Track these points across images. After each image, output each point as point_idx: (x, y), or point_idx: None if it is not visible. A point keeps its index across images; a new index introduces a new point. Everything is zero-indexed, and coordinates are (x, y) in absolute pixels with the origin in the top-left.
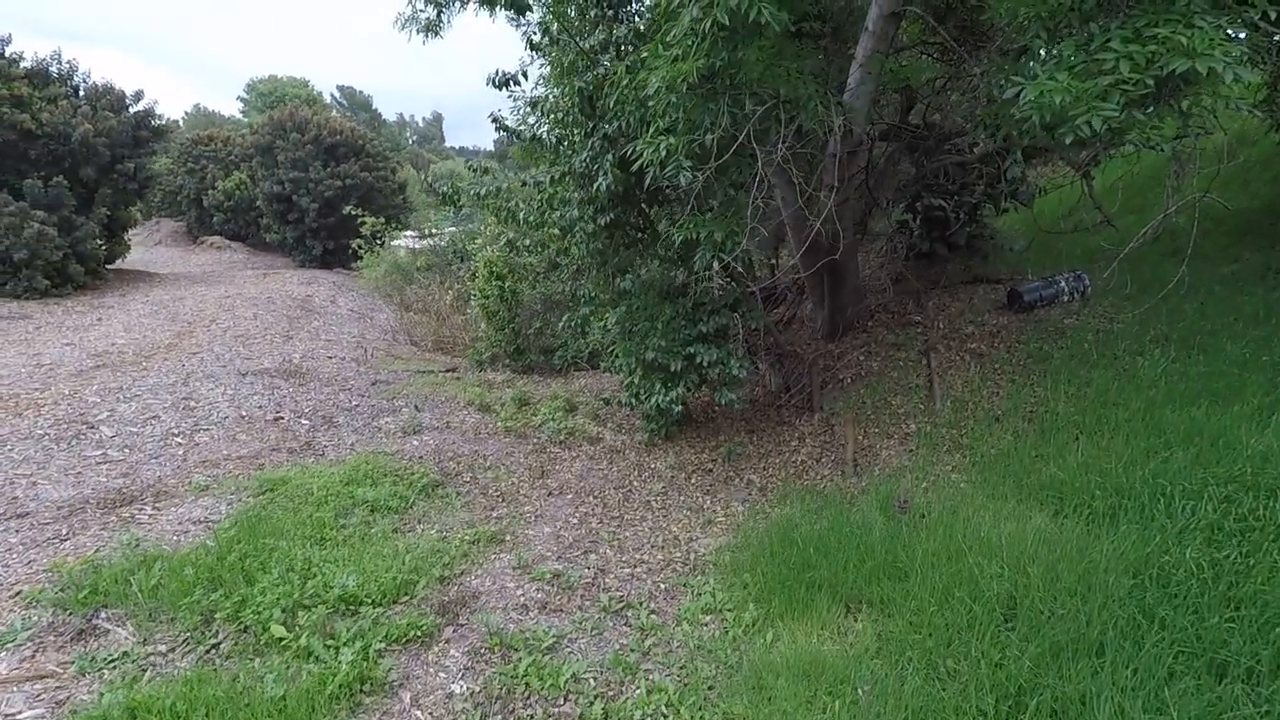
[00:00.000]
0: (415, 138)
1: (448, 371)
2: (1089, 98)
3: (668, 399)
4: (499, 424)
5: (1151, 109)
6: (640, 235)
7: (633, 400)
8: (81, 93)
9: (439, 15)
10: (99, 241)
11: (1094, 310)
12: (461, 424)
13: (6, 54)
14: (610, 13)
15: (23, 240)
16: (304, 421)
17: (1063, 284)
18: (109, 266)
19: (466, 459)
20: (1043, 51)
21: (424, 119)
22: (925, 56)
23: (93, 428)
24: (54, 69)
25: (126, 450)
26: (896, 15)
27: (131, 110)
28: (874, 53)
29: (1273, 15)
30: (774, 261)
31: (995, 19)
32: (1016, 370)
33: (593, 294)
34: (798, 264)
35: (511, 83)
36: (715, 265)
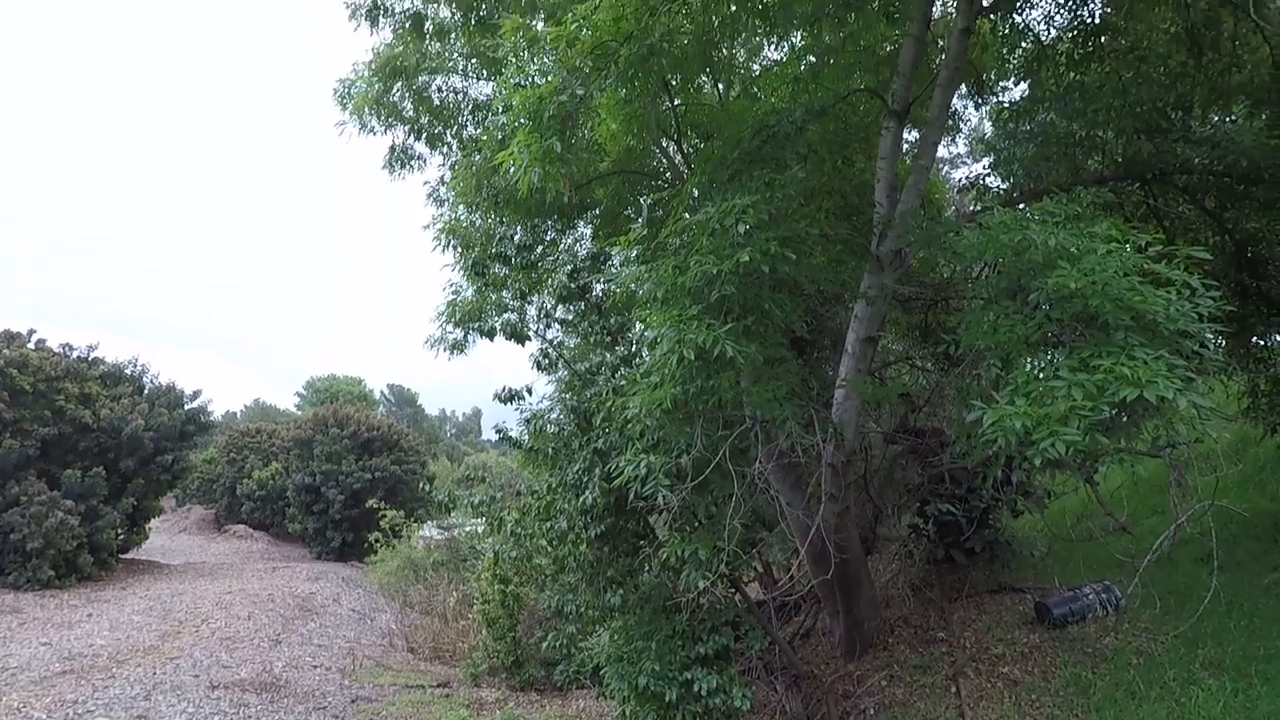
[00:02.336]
0: (454, 431)
1: (439, 686)
2: (1050, 422)
3: None
4: None
5: (1116, 433)
6: (639, 542)
7: None
8: (146, 391)
9: (465, 336)
10: (117, 531)
11: (1131, 626)
12: None
13: (90, 357)
14: (608, 339)
15: (42, 530)
16: None
17: (1091, 596)
18: (122, 556)
19: None
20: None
21: (464, 414)
22: (913, 368)
23: None
24: (128, 370)
25: None
26: (873, 339)
27: (186, 407)
28: (855, 371)
29: (1213, 342)
30: (792, 567)
31: (959, 352)
32: (1056, 703)
33: (581, 609)
34: (810, 574)
35: (517, 398)
36: (702, 584)
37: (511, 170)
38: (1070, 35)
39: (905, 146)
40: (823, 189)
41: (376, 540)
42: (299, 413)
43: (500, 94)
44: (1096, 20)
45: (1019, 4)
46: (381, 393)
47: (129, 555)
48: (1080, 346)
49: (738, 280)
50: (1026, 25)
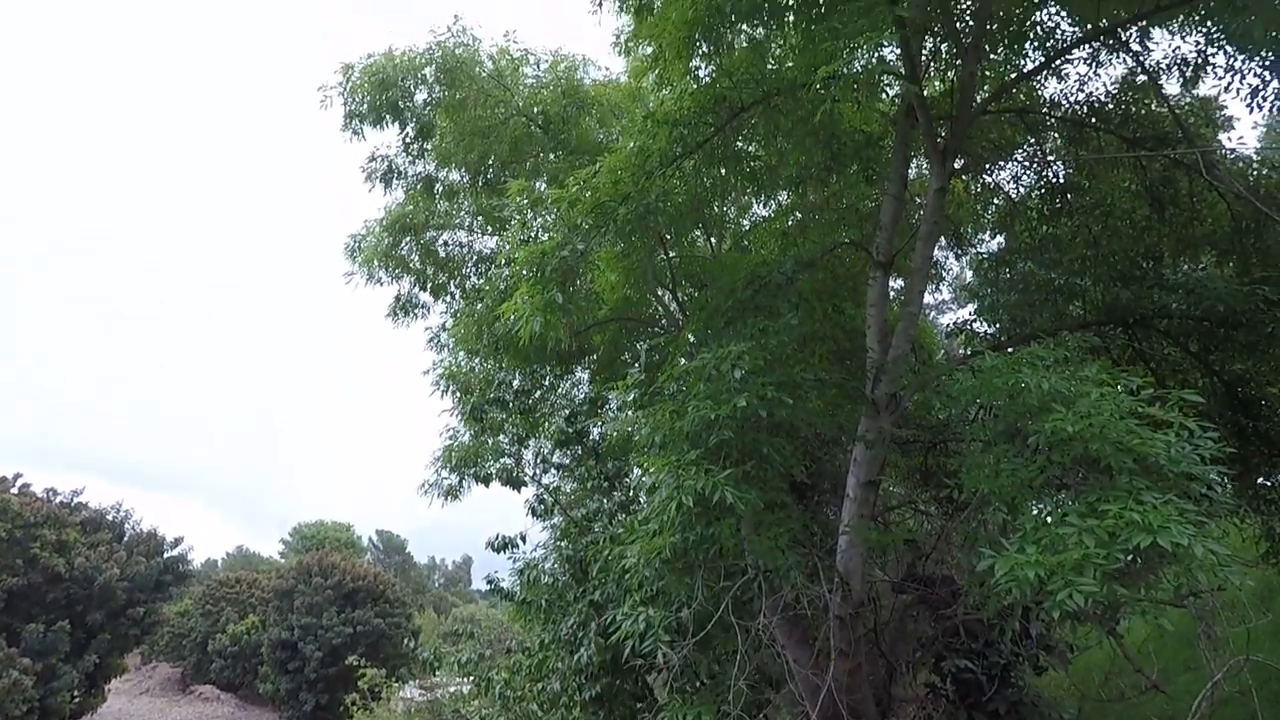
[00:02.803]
0: (442, 580)
1: None
2: (1064, 571)
3: None
4: None
5: (1134, 582)
6: (637, 705)
7: None
8: (126, 538)
9: (460, 482)
10: (73, 693)
11: None
12: None
13: (73, 503)
14: (605, 484)
15: None
16: None
17: None
18: None
19: None
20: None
21: (454, 561)
22: (917, 513)
23: None
24: (110, 516)
25: None
26: (874, 483)
27: (165, 555)
28: (858, 517)
29: (1219, 484)
30: None
31: (962, 495)
32: None
33: None
34: None
35: (511, 546)
36: None
37: (513, 320)
38: (1038, 192)
39: (892, 294)
40: (816, 335)
41: (353, 703)
42: (283, 561)
43: (504, 249)
44: (1061, 179)
45: (988, 166)
46: (370, 539)
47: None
48: (1086, 491)
49: (735, 425)
50: (997, 184)
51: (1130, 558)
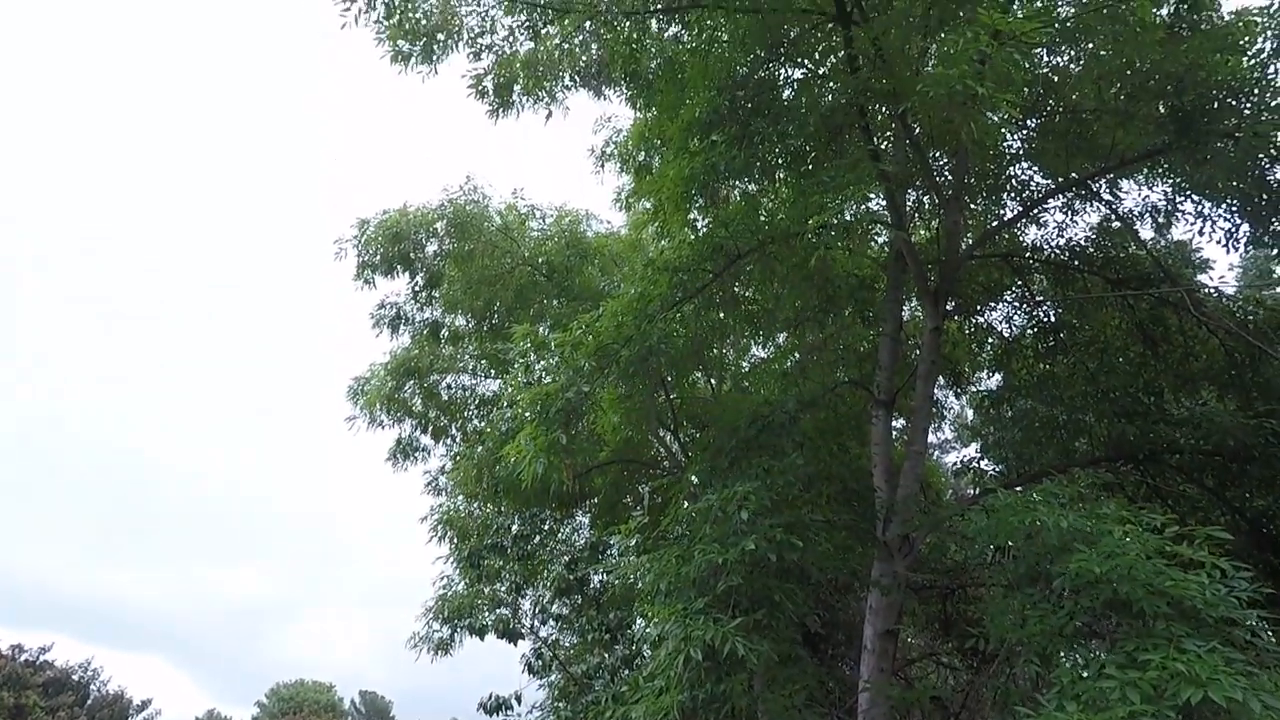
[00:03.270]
0: None
1: None
2: None
3: None
4: None
5: None
6: None
7: None
8: (90, 701)
9: (452, 635)
10: None
11: None
12: None
13: (39, 661)
14: (607, 637)
15: None
16: None
17: None
18: None
19: None
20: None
21: None
22: (940, 666)
23: None
24: (76, 676)
25: None
26: (892, 633)
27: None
28: (878, 671)
29: (1266, 632)
30: None
31: (990, 647)
32: None
33: None
34: None
35: (504, 708)
36: None
37: (516, 462)
38: (1031, 332)
39: (895, 433)
40: (822, 475)
41: None
42: None
43: (508, 391)
44: (1052, 319)
45: (979, 307)
46: (352, 701)
47: None
48: (1123, 640)
49: (744, 570)
50: (990, 324)
51: (1179, 716)
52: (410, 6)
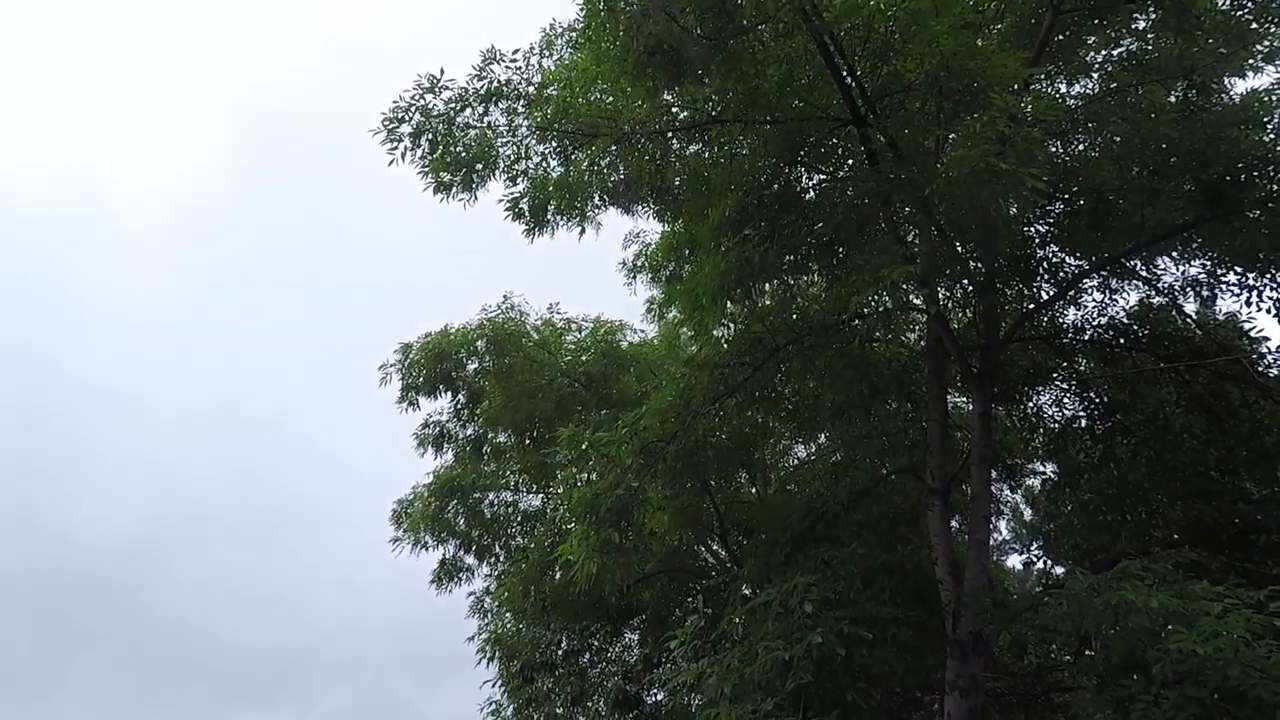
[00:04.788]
0: None
1: None
2: None
3: None
4: None
5: None
6: None
7: None
8: None
9: None
10: None
11: None
12: None
13: None
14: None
15: None
16: None
17: None
18: None
19: None
20: None
21: None
22: None
23: None
24: None
25: None
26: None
27: None
28: None
29: None
30: None
31: None
32: None
33: None
34: None
35: None
36: None
37: (569, 564)
38: (1084, 415)
39: (955, 528)
40: (882, 568)
41: None
42: None
43: (555, 493)
44: (1105, 400)
45: (1026, 391)
46: None
47: None
48: None
49: (812, 667)
50: (1039, 409)
51: None
52: (451, 141)
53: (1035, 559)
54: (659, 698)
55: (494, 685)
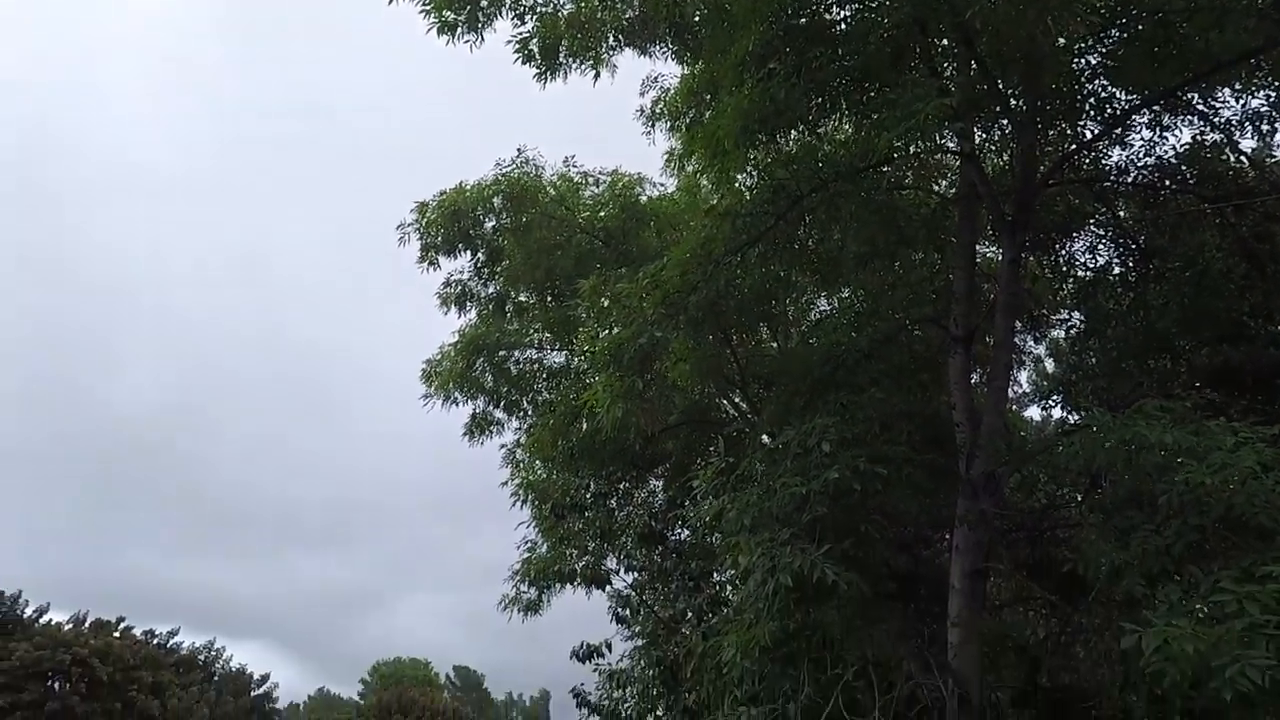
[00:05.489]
0: (520, 718)
1: None
2: (1229, 645)
3: None
4: None
5: None
6: None
7: None
8: (216, 678)
9: (540, 596)
10: None
11: None
12: None
13: (169, 645)
14: (691, 584)
15: None
16: None
17: None
18: None
19: None
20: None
21: (531, 697)
22: (1030, 612)
23: None
24: (202, 657)
25: None
26: (980, 573)
27: (253, 694)
28: (967, 609)
29: None
30: None
31: (1086, 572)
32: None
33: None
34: None
35: (596, 655)
36: None
37: (596, 412)
38: (1119, 261)
39: (975, 379)
40: (900, 414)
41: None
42: (362, 701)
43: (579, 345)
44: (1141, 245)
45: (1059, 240)
46: (447, 675)
47: None
48: (1239, 557)
49: (828, 500)
50: (1071, 257)
51: None
52: None
53: (1054, 404)
54: (682, 536)
55: (528, 526)
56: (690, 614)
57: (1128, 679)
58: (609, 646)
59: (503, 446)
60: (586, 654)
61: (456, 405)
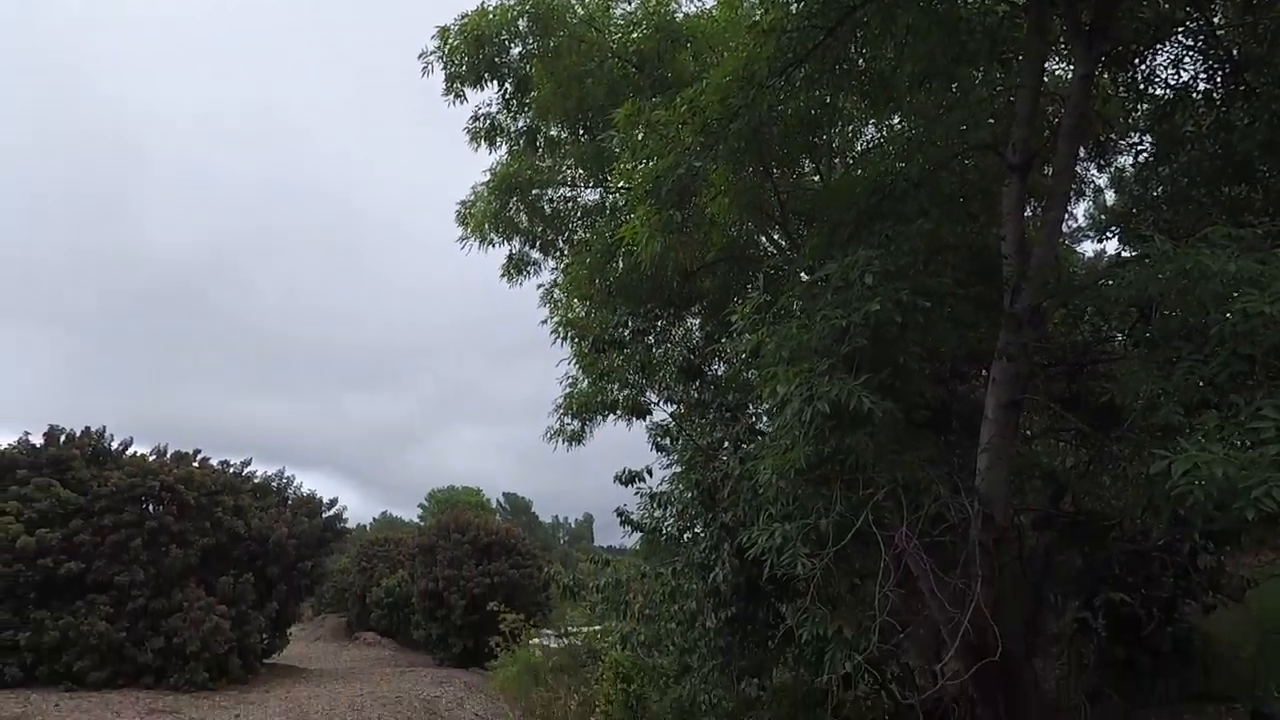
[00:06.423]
0: (567, 538)
1: None
2: (1260, 467)
3: None
4: None
5: None
6: (770, 632)
7: None
8: (290, 502)
9: (582, 427)
10: (263, 635)
11: None
12: None
13: (244, 472)
14: (728, 415)
15: (200, 634)
16: None
17: None
18: (266, 660)
19: None
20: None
21: (575, 520)
22: (1060, 443)
23: None
24: (275, 484)
25: None
26: (1016, 404)
27: (324, 515)
28: (999, 439)
29: None
30: (937, 669)
31: (1123, 401)
32: None
33: (716, 701)
34: (959, 667)
35: (638, 479)
36: (848, 666)
37: (634, 247)
38: (1207, 75)
39: (1029, 212)
40: (947, 245)
41: (497, 644)
42: (422, 523)
43: (615, 177)
44: (1236, 57)
45: (1139, 54)
46: (497, 501)
47: (272, 660)
48: None
49: (868, 333)
50: (1152, 73)
51: None
52: None
53: (1110, 236)
54: (719, 370)
55: (569, 362)
56: (727, 442)
57: (1151, 502)
58: (649, 472)
59: (540, 286)
60: (629, 479)
61: (493, 246)
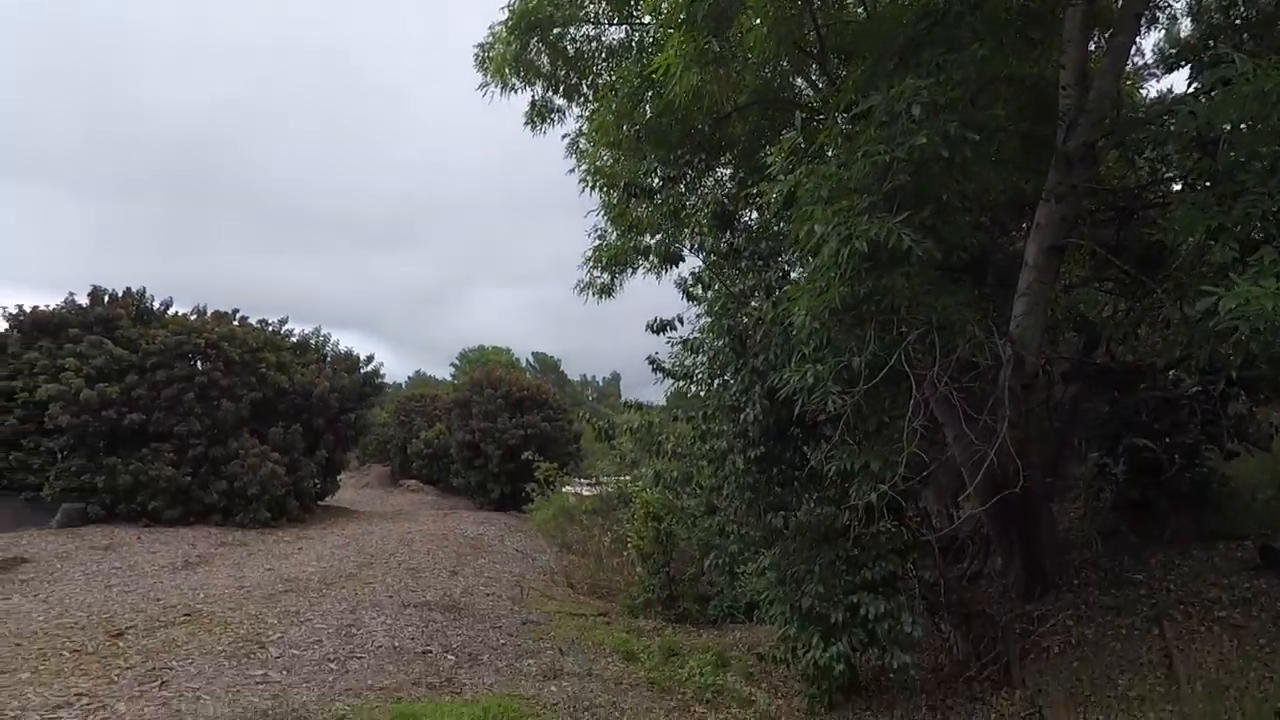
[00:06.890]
0: (594, 395)
1: (599, 616)
2: None
3: (827, 655)
4: (643, 674)
5: None
6: (795, 473)
7: (788, 656)
8: (329, 358)
9: (612, 280)
10: (315, 480)
11: None
12: (604, 671)
13: (282, 330)
14: (761, 262)
15: (258, 478)
16: (450, 657)
17: None
18: (320, 502)
19: (603, 711)
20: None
21: (603, 378)
22: (1100, 292)
23: (263, 647)
24: (313, 341)
25: (285, 672)
26: (1058, 249)
27: (362, 371)
28: (1038, 284)
29: None
30: (953, 511)
31: (1174, 241)
32: None
33: (742, 531)
34: (978, 508)
35: (669, 328)
36: (874, 497)
37: (666, 80)
38: None
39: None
40: (1001, 76)
41: (533, 490)
42: (454, 380)
43: (642, 7)
44: None
45: None
46: (527, 360)
47: (326, 502)
48: None
49: (912, 169)
50: None
51: None
52: None
53: (1180, 68)
54: (752, 218)
55: (598, 214)
56: (759, 289)
57: (1190, 342)
58: (681, 320)
59: (565, 136)
60: (660, 327)
61: (515, 92)
